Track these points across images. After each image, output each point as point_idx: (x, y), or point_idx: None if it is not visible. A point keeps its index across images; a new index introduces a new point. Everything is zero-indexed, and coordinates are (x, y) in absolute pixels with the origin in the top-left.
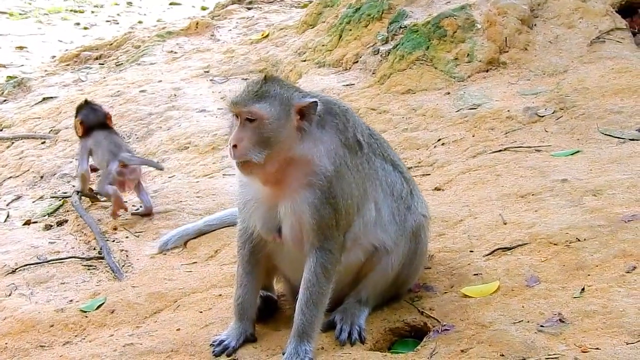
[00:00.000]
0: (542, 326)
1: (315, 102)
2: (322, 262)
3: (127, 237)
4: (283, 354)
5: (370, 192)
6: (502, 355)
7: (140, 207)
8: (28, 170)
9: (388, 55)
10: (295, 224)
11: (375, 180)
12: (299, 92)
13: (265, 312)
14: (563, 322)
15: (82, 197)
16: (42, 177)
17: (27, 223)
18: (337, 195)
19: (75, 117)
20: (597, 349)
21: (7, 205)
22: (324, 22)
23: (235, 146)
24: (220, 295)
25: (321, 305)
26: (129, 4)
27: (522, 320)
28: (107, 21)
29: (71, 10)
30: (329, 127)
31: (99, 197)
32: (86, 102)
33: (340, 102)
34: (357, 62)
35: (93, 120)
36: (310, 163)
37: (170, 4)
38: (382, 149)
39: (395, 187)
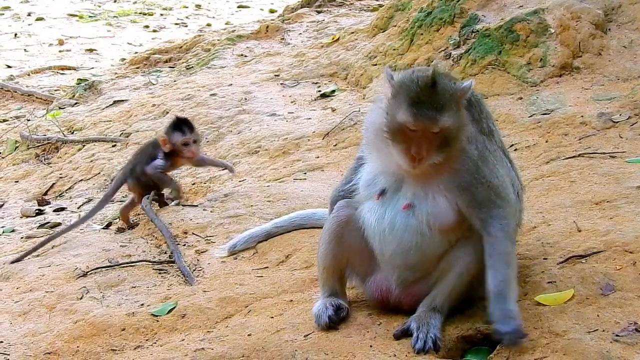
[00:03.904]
0: (617, 335)
1: (470, 83)
2: (499, 226)
3: (197, 241)
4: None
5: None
6: None
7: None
8: (99, 173)
9: (460, 59)
10: (441, 204)
11: (505, 167)
12: (455, 79)
13: (337, 320)
14: (639, 331)
15: (153, 201)
16: (112, 180)
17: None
18: (486, 175)
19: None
20: None
21: (79, 208)
22: (395, 26)
23: (420, 159)
24: (292, 301)
25: (512, 265)
26: (198, 6)
27: (597, 330)
28: (176, 24)
29: (140, 13)
30: (468, 114)
31: (168, 202)
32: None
33: (474, 90)
34: (428, 66)
35: None
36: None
37: (239, 6)
38: (503, 145)
39: (515, 182)
